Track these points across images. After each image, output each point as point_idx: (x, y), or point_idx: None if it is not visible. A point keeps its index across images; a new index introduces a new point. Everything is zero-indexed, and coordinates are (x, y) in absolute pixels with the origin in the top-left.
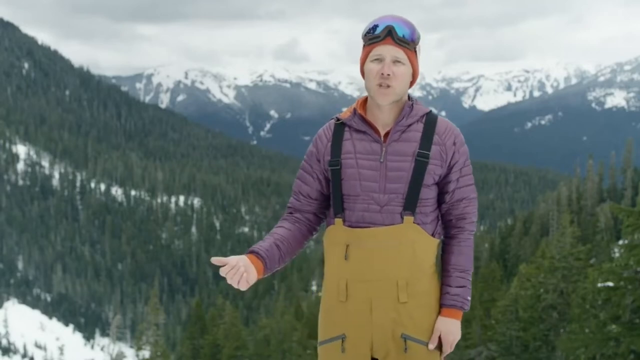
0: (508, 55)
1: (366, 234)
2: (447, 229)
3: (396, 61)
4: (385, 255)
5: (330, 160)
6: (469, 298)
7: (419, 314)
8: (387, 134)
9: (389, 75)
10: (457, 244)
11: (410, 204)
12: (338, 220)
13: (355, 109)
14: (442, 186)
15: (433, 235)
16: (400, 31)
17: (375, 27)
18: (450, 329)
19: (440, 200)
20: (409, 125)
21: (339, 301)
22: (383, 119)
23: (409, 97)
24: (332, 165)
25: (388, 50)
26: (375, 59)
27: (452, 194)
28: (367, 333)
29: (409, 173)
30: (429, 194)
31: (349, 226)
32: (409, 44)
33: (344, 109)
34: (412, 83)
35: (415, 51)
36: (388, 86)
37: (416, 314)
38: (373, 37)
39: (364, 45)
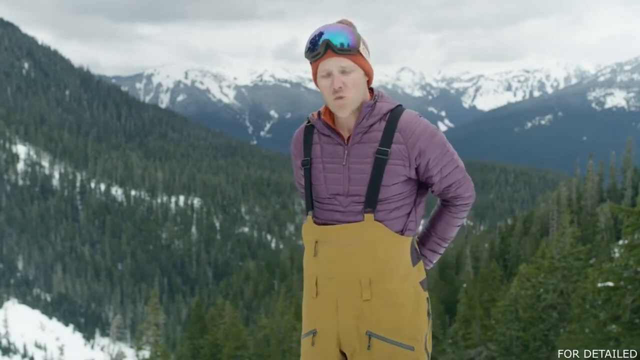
0: (508, 55)
1: (330, 231)
2: (443, 201)
3: (343, 71)
4: (348, 253)
5: (302, 161)
6: (434, 261)
7: (385, 312)
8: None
9: (340, 88)
10: (448, 213)
11: (370, 203)
12: (309, 218)
13: (320, 113)
14: (426, 179)
15: (402, 231)
16: (338, 42)
17: (313, 44)
18: None
19: (430, 187)
20: (371, 125)
21: (311, 297)
22: (346, 122)
23: (374, 95)
24: (304, 165)
25: (332, 63)
26: (324, 75)
27: (440, 183)
28: (334, 329)
29: (369, 174)
30: (391, 191)
31: (317, 223)
32: (350, 50)
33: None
34: (369, 82)
35: (361, 52)
36: (342, 97)
37: (381, 313)
38: (314, 55)
39: (310, 63)
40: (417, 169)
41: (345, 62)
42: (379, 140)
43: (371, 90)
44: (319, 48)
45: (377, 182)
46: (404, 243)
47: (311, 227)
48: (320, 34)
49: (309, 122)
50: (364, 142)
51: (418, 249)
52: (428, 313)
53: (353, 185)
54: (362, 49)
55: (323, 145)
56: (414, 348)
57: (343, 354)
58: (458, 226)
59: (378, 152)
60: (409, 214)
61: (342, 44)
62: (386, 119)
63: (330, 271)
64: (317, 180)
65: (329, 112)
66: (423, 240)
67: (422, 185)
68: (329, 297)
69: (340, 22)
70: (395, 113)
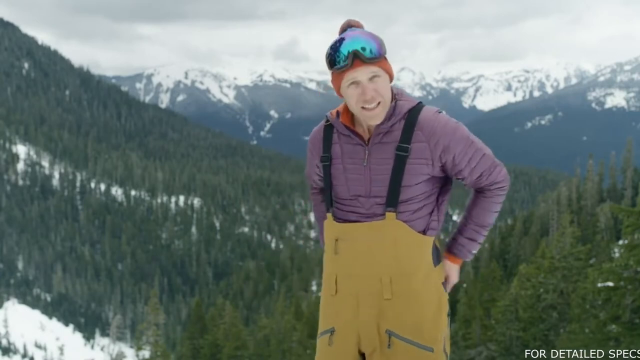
0: (508, 55)
1: (351, 229)
2: (477, 189)
3: (372, 78)
4: (368, 251)
5: (322, 156)
6: (474, 252)
7: (406, 311)
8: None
9: (372, 97)
10: (483, 198)
11: (392, 203)
12: (329, 215)
13: (338, 113)
14: (455, 174)
15: (425, 231)
16: (366, 51)
17: (337, 54)
18: (449, 272)
19: (461, 180)
20: (392, 125)
21: (330, 295)
22: (366, 122)
23: (393, 94)
24: (323, 161)
25: (361, 73)
26: (352, 84)
27: (470, 175)
28: (354, 328)
29: (389, 175)
30: (414, 191)
31: (337, 221)
32: (378, 57)
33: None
34: (391, 82)
35: (385, 56)
36: (378, 104)
37: (402, 312)
38: (340, 67)
39: (332, 73)
40: (443, 166)
41: (373, 69)
42: (397, 141)
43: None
44: (344, 59)
45: (398, 182)
46: (426, 243)
47: (332, 225)
48: (344, 42)
49: (327, 121)
50: (385, 142)
51: (439, 249)
52: (448, 314)
53: (375, 187)
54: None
55: (343, 146)
56: (433, 349)
57: (360, 354)
58: (495, 212)
59: (398, 150)
60: (431, 213)
61: (369, 52)
62: (405, 117)
63: (350, 269)
64: (337, 180)
65: (347, 112)
66: (461, 230)
67: (446, 182)
68: (349, 294)
69: (349, 23)
70: (414, 111)
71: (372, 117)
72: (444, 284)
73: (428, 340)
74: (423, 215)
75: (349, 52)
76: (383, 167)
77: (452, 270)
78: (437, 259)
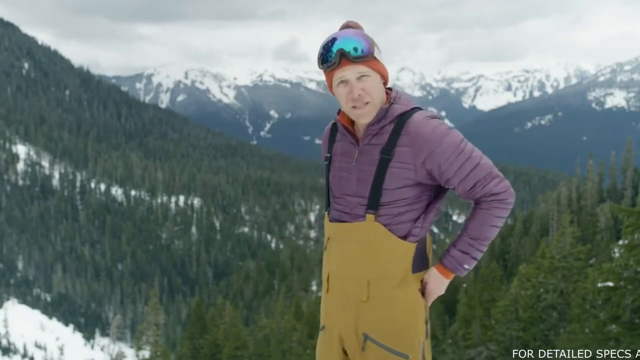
0: (508, 55)
1: (338, 229)
2: (476, 200)
3: (360, 78)
4: (351, 252)
5: (325, 157)
6: (467, 266)
7: (381, 316)
8: None
9: (360, 95)
10: (480, 209)
11: (373, 205)
12: (326, 214)
13: (339, 111)
14: (445, 183)
15: (406, 236)
16: (352, 50)
17: (326, 53)
18: (435, 282)
19: (452, 188)
20: (382, 128)
21: (325, 293)
22: (362, 123)
23: (390, 97)
24: (325, 161)
25: (349, 72)
26: (341, 82)
27: (462, 185)
28: (337, 327)
29: (373, 176)
30: (396, 195)
31: (331, 220)
32: (366, 56)
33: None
34: (385, 83)
35: (376, 56)
36: (366, 103)
37: (377, 316)
38: (329, 65)
39: (324, 72)
40: (430, 173)
41: (361, 69)
42: (384, 143)
43: (390, 90)
44: (333, 58)
45: (379, 184)
46: (406, 248)
47: (326, 224)
48: (333, 42)
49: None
50: (373, 144)
51: (427, 256)
52: (426, 321)
53: (360, 187)
54: (376, 52)
55: (342, 144)
56: (409, 356)
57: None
58: (493, 226)
59: (382, 153)
60: (416, 219)
61: (356, 52)
62: (395, 121)
63: (337, 269)
64: (333, 178)
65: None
66: (455, 242)
67: (439, 191)
68: (336, 294)
69: (347, 24)
70: (405, 115)
71: (360, 115)
72: (423, 292)
73: (403, 347)
74: (406, 221)
75: (336, 51)
76: (368, 168)
77: (436, 281)
78: (420, 266)
